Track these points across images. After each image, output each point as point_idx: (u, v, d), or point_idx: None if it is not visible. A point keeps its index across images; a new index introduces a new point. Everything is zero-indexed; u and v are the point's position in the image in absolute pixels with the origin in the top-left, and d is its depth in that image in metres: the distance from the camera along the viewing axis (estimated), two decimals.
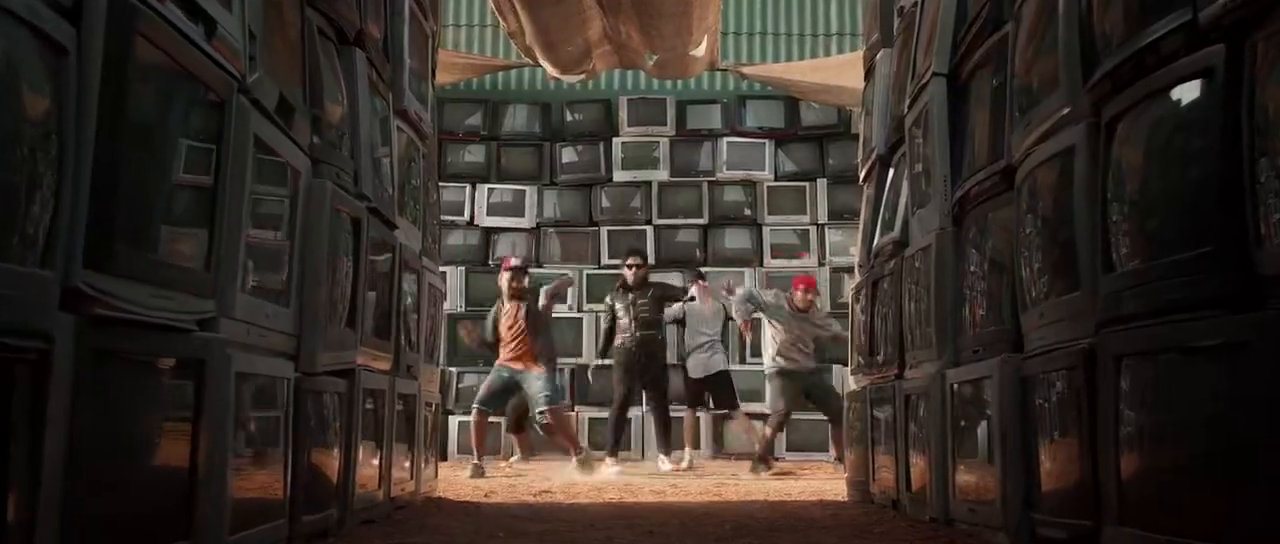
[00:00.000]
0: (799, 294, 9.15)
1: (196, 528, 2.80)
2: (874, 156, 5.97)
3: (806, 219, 11.69)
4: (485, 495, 6.39)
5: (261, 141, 3.20)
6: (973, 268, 4.37)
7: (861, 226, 6.34)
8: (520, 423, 9.52)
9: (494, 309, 9.06)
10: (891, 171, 5.73)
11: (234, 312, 3.05)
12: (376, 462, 4.73)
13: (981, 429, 4.05)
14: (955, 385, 4.30)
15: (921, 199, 4.94)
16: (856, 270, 6.36)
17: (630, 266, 9.45)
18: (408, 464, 5.35)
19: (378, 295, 4.79)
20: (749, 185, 11.76)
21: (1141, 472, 2.89)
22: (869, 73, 6.41)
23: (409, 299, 5.36)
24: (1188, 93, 2.78)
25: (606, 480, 7.89)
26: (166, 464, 2.74)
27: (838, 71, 10.90)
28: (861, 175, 6.48)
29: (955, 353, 4.43)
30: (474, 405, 8.90)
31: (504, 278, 9.02)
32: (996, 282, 4.18)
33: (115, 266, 2.38)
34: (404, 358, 5.19)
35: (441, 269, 11.55)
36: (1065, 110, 3.41)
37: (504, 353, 8.81)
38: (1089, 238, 3.20)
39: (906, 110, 5.23)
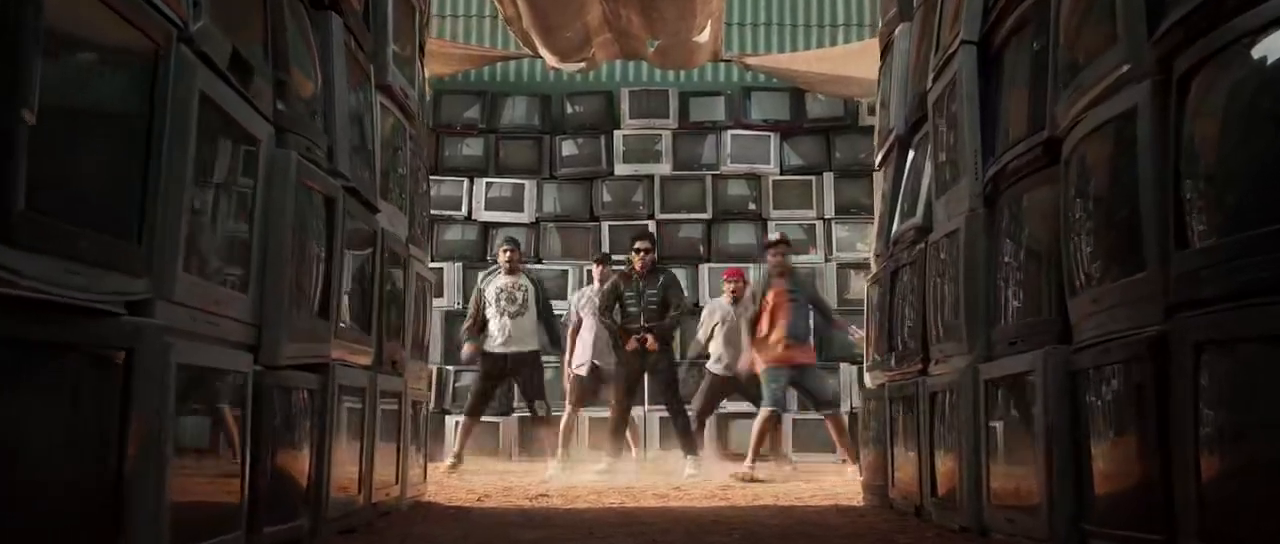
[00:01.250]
0: (727, 288, 8.88)
1: (127, 539, 2.36)
2: (892, 138, 5.52)
3: (813, 214, 11.25)
4: (479, 500, 5.95)
5: (210, 101, 2.76)
6: (1008, 252, 3.92)
7: (878, 214, 5.90)
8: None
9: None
10: (912, 154, 5.28)
11: (174, 293, 2.61)
12: (356, 465, 4.29)
13: (1022, 429, 3.61)
14: (989, 381, 3.85)
15: (948, 180, 4.50)
16: (873, 262, 5.91)
17: (639, 251, 8.77)
18: (393, 467, 4.91)
19: (357, 285, 4.35)
20: (754, 179, 11.33)
21: (1226, 478, 2.44)
22: (885, 50, 5.96)
23: (393, 290, 4.91)
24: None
25: (597, 482, 7.45)
26: (86, 469, 2.30)
27: (844, 61, 10.48)
28: (877, 160, 6.04)
29: (988, 346, 3.99)
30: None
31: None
32: (1036, 266, 3.73)
33: (14, 235, 1.95)
34: (388, 353, 4.75)
35: (438, 265, 11.26)
36: (1124, 68, 2.97)
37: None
38: (1156, 211, 2.76)
39: (929, 86, 4.78)
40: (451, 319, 10.41)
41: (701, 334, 9.04)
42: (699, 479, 7.79)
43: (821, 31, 11.81)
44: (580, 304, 9.15)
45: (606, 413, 8.96)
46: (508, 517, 5.12)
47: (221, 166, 2.98)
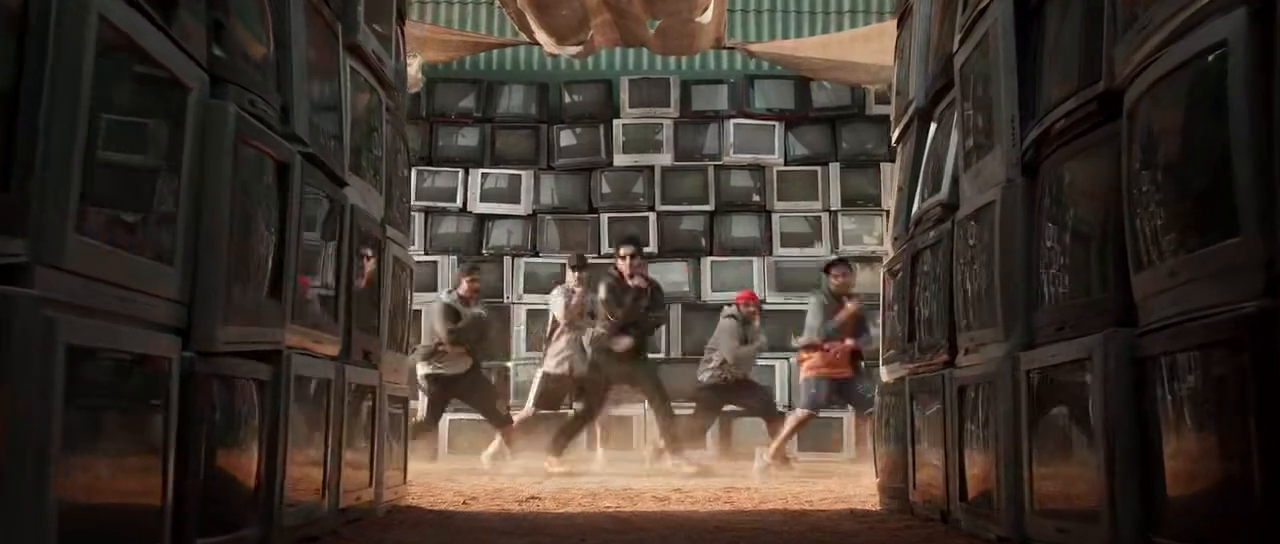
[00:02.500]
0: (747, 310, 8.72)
1: None
2: (911, 111, 5.01)
3: (818, 205, 10.74)
4: (464, 503, 5.43)
5: (114, 28, 2.26)
6: (1051, 226, 3.41)
7: (895, 195, 5.39)
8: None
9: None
10: (933, 127, 4.77)
11: (62, 259, 2.10)
12: (319, 466, 3.78)
13: (1074, 425, 3.10)
14: (1032, 371, 3.34)
15: (978, 150, 3.99)
16: (889, 246, 5.39)
17: (626, 257, 8.35)
18: (366, 469, 4.40)
19: (320, 266, 3.85)
20: (757, 170, 10.82)
21: None
22: (903, 18, 5.45)
23: (366, 274, 4.41)
24: None
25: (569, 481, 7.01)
26: None
27: (851, 47, 9.99)
28: (895, 136, 5.52)
29: (1028, 332, 3.48)
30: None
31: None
32: (1089, 240, 3.22)
33: None
34: (359, 344, 4.24)
35: (433, 258, 10.77)
36: None
37: None
38: (1254, 163, 2.24)
39: (956, 49, 4.27)
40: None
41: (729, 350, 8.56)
42: (695, 477, 7.44)
43: (827, 18, 11.29)
44: (557, 307, 8.72)
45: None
46: (493, 522, 4.62)
47: (134, 112, 2.48)
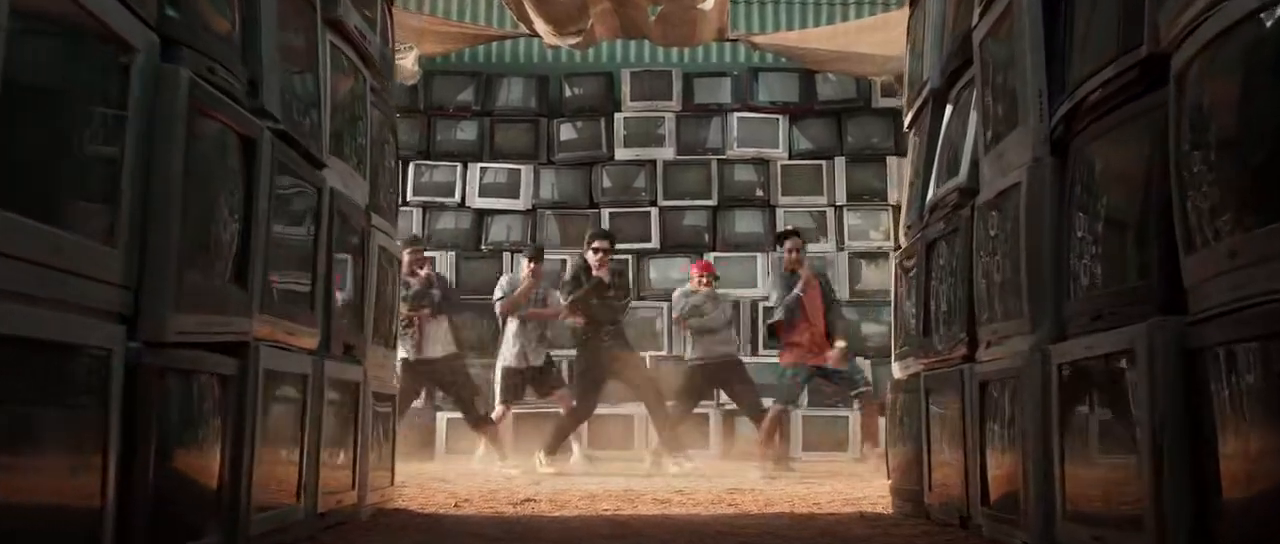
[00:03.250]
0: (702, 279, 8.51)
1: None
2: (926, 92, 4.71)
3: (823, 200, 10.43)
4: (456, 505, 5.14)
5: None
6: (1084, 207, 3.11)
7: (908, 184, 5.09)
8: None
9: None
10: (949, 110, 4.48)
11: None
12: (295, 468, 3.50)
13: (1114, 423, 2.81)
14: (1064, 365, 3.05)
15: (1001, 129, 3.69)
16: (902, 237, 5.09)
17: (598, 251, 8.13)
18: (348, 470, 4.11)
19: (294, 253, 3.56)
20: (761, 164, 10.51)
21: None
22: None
23: (349, 263, 4.12)
24: None
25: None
26: None
27: (857, 38, 9.67)
28: (907, 119, 5.22)
29: (1059, 323, 3.18)
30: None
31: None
32: (1126, 221, 2.93)
33: None
34: (340, 336, 3.95)
35: (430, 254, 10.46)
36: None
37: None
38: None
39: (975, 24, 3.98)
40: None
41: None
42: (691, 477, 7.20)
43: (832, 8, 10.99)
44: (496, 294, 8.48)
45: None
46: (484, 527, 4.32)
47: (65, 73, 2.19)
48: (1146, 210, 2.74)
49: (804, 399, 9.11)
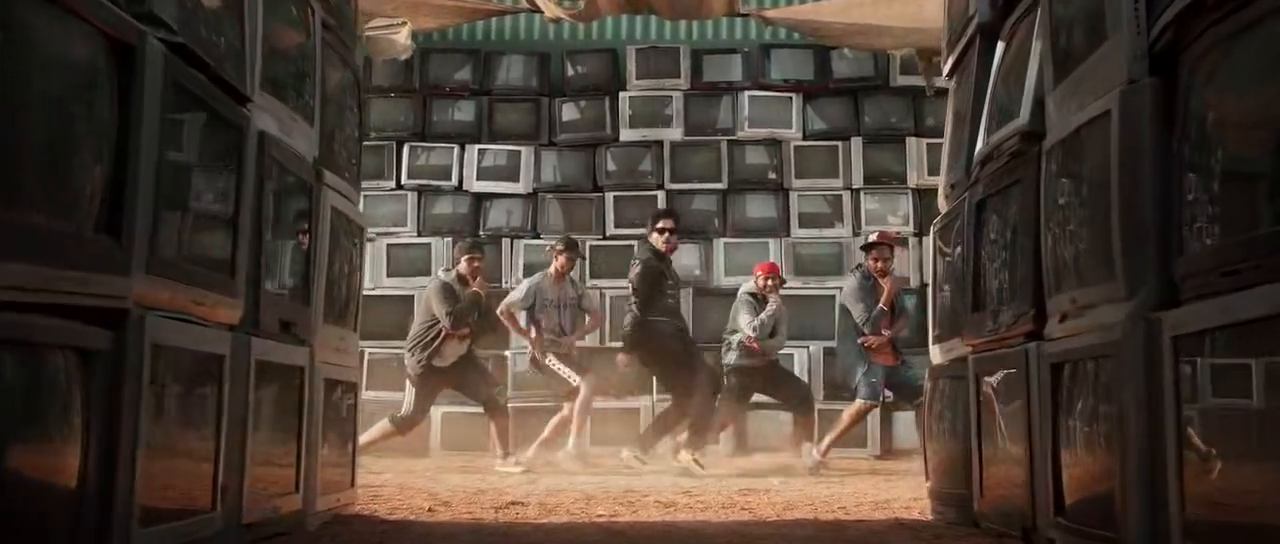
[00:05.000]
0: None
1: None
2: (972, 29, 3.94)
3: (839, 183, 9.64)
4: (430, 510, 4.41)
5: None
6: (1203, 135, 2.36)
7: (947, 139, 4.34)
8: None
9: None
10: (1001, 47, 3.72)
11: None
12: (209, 468, 2.76)
13: (1262, 413, 2.05)
14: (1181, 337, 2.29)
15: (1076, 53, 2.94)
16: (941, 200, 4.33)
17: (665, 231, 7.38)
18: (292, 472, 3.38)
19: (204, 204, 2.83)
20: (773, 145, 9.72)
21: None
22: None
23: (287, 224, 3.38)
24: None
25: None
26: None
27: (874, 9, 8.86)
28: (946, 67, 4.46)
29: (1167, 286, 2.43)
30: None
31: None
32: (1265, 148, 2.18)
33: None
34: (275, 310, 3.22)
35: (426, 240, 9.75)
36: None
37: None
38: None
39: None
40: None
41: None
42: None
43: None
44: (537, 296, 7.69)
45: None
46: (454, 535, 3.59)
47: None
48: None
49: (821, 393, 8.57)
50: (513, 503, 4.68)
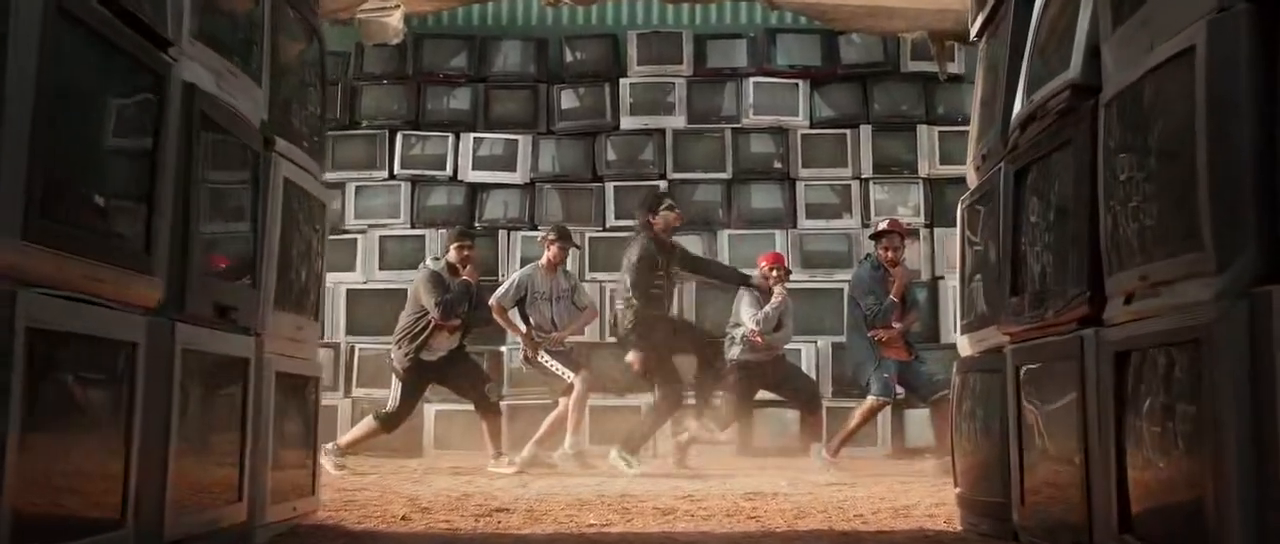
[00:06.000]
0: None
1: None
2: None
3: (847, 173, 9.16)
4: (404, 517, 3.93)
5: None
6: None
7: (976, 106, 3.85)
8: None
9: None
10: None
11: None
12: (111, 472, 2.29)
13: None
14: None
15: None
16: (971, 173, 3.83)
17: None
18: (230, 473, 2.91)
19: (121, 166, 2.36)
20: (779, 133, 9.24)
21: None
22: None
23: (221, 192, 2.91)
24: None
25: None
26: None
27: None
28: (975, 27, 3.95)
29: (1268, 256, 1.96)
30: None
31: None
32: None
33: None
34: (207, 293, 2.74)
35: (420, 232, 9.28)
36: None
37: None
38: None
39: None
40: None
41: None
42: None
43: None
44: (528, 288, 7.21)
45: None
46: None
47: None
48: None
49: (829, 390, 8.12)
50: (497, 510, 4.21)
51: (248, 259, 3.01)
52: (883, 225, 7.14)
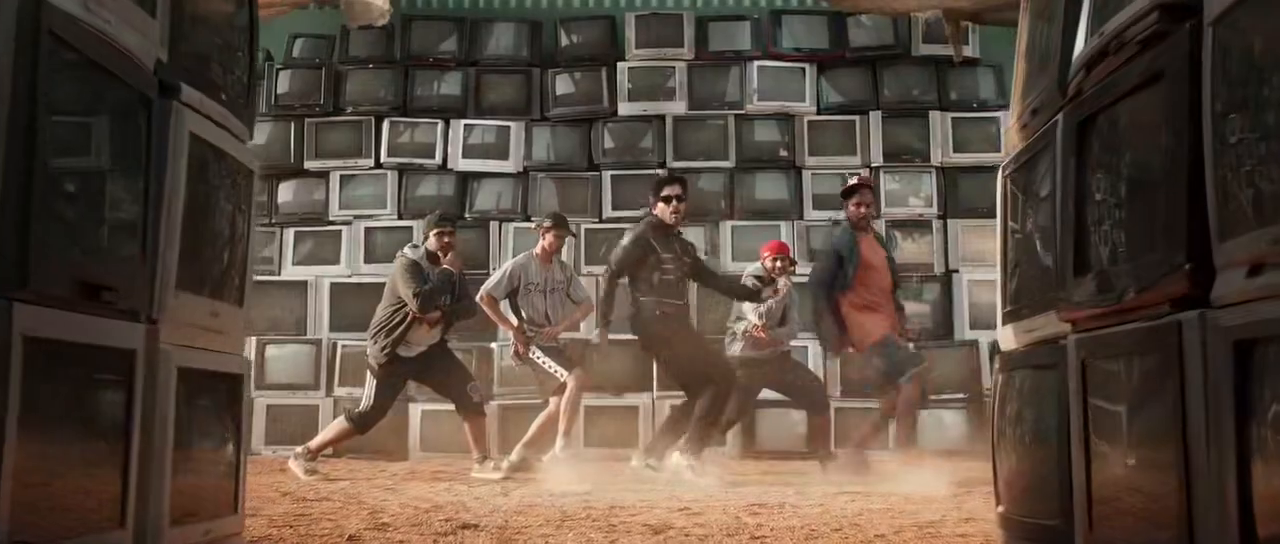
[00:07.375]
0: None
1: None
2: None
3: (856, 161, 8.59)
4: (350, 539, 3.31)
5: None
6: None
7: (1021, 54, 3.22)
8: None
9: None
10: None
11: None
12: None
13: None
14: None
15: None
16: (1014, 135, 3.19)
17: (671, 199, 6.20)
18: (108, 495, 2.29)
19: None
20: (785, 120, 8.71)
21: None
22: None
23: (108, 149, 2.30)
24: None
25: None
26: None
27: None
28: None
29: None
30: None
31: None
32: None
33: None
34: (72, 270, 2.13)
35: (408, 223, 8.67)
36: None
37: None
38: None
39: None
40: None
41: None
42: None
43: None
44: (521, 278, 6.63)
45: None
46: None
47: None
48: None
49: (837, 391, 7.53)
50: (465, 526, 3.60)
51: (134, 228, 2.40)
52: (853, 180, 6.62)
